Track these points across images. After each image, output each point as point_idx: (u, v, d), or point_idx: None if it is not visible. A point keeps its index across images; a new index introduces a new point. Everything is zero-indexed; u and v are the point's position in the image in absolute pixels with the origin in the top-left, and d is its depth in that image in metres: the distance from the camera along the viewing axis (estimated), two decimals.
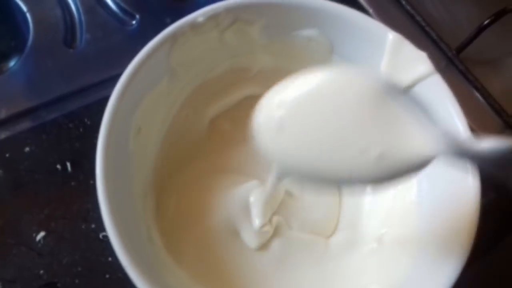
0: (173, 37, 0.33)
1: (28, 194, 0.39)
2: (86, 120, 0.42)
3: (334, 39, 0.37)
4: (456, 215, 0.31)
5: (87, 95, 0.42)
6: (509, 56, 0.52)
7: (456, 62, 0.49)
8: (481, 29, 0.47)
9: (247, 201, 0.38)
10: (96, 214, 0.29)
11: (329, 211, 0.40)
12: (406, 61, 0.34)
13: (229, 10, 0.34)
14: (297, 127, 0.25)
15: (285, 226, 0.39)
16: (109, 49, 0.45)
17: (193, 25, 0.33)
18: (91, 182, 0.29)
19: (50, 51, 0.44)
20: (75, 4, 0.46)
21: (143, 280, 0.27)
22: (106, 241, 0.29)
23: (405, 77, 0.34)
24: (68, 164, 0.40)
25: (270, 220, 0.38)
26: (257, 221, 0.37)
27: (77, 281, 0.37)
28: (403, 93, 0.25)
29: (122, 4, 0.47)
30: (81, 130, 0.41)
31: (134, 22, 0.47)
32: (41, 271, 0.37)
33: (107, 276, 0.37)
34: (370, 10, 0.50)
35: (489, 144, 0.22)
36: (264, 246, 0.38)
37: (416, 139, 0.24)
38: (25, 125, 0.41)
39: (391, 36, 0.34)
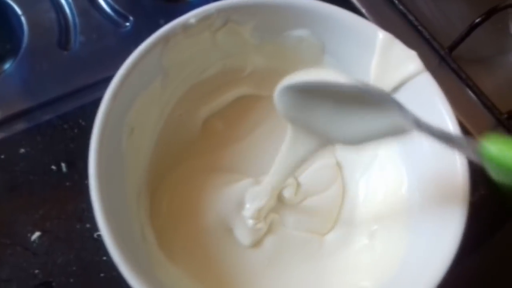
0: (165, 38, 0.33)
1: (23, 195, 0.39)
2: (81, 121, 0.42)
3: (325, 39, 0.37)
4: (445, 210, 0.31)
5: (81, 97, 0.43)
6: (501, 54, 0.52)
7: (448, 60, 0.49)
8: (472, 28, 0.47)
9: (241, 199, 0.38)
10: (91, 214, 0.29)
11: (328, 211, 0.41)
12: (396, 59, 0.35)
13: (221, 11, 0.34)
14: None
15: (280, 223, 0.40)
16: (103, 50, 0.45)
17: (185, 27, 0.34)
18: (86, 182, 0.30)
19: (45, 53, 0.44)
20: (69, 7, 0.46)
21: (136, 278, 0.28)
22: (100, 240, 0.29)
23: (395, 75, 0.35)
24: (63, 165, 0.41)
25: (264, 218, 0.39)
26: (250, 221, 0.38)
27: (72, 280, 0.37)
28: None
29: (116, 6, 0.47)
30: (76, 131, 0.42)
31: (127, 24, 0.47)
32: (36, 271, 0.37)
33: (102, 275, 0.37)
34: (363, 10, 0.50)
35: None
36: (257, 243, 0.38)
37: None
38: (20, 126, 0.41)
39: (381, 35, 0.35)
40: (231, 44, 0.37)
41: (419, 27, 0.50)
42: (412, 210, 0.35)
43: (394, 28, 0.49)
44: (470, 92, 0.48)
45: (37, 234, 0.38)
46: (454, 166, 0.32)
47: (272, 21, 0.36)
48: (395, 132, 0.28)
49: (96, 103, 0.31)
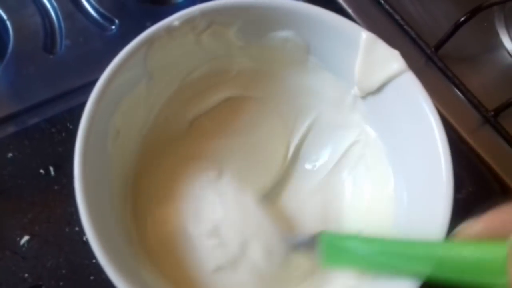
0: (149, 41, 0.33)
1: (11, 199, 0.40)
2: (68, 124, 0.42)
3: (309, 40, 0.37)
4: (431, 208, 0.32)
5: (69, 100, 0.43)
6: (486, 52, 0.52)
7: (435, 59, 0.49)
8: (457, 26, 0.48)
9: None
10: (79, 217, 0.29)
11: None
12: (380, 59, 0.35)
13: (204, 13, 0.34)
14: None
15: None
16: (89, 54, 0.45)
17: (169, 29, 0.34)
18: (74, 186, 0.30)
19: (31, 58, 0.44)
20: (55, 11, 0.47)
21: (122, 280, 0.28)
22: (89, 243, 0.29)
23: (379, 75, 0.35)
24: (51, 169, 0.41)
25: None
26: None
27: (61, 283, 0.37)
28: None
29: (101, 10, 0.47)
30: (63, 134, 0.42)
31: (113, 27, 0.47)
32: (26, 275, 0.37)
33: (92, 278, 0.38)
34: (349, 10, 0.51)
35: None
36: None
37: None
38: (7, 130, 0.42)
39: (365, 36, 0.35)
40: (216, 46, 0.37)
41: (405, 27, 0.50)
42: (398, 209, 0.35)
43: (381, 27, 0.50)
44: (456, 90, 0.48)
45: (26, 238, 0.38)
46: (439, 164, 0.32)
47: (256, 22, 0.36)
48: None
49: (83, 106, 0.31)
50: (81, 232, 0.38)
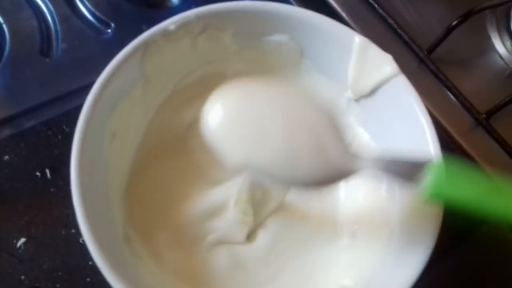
0: (145, 44, 0.34)
1: (8, 202, 0.40)
2: (64, 127, 0.42)
3: (303, 44, 0.38)
4: (422, 209, 0.32)
5: (65, 103, 0.43)
6: (478, 55, 0.53)
7: (427, 62, 0.50)
8: (449, 30, 0.48)
9: (225, 198, 0.39)
10: (76, 219, 0.30)
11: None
12: (373, 62, 0.35)
13: (200, 17, 0.35)
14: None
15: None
16: (85, 57, 0.45)
17: (165, 33, 0.34)
18: (70, 188, 0.30)
19: (27, 61, 0.44)
20: (51, 15, 0.47)
21: (119, 281, 0.28)
22: (86, 245, 0.29)
23: (372, 78, 0.36)
24: (48, 171, 0.41)
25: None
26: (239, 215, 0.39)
27: (58, 285, 0.37)
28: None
29: (97, 13, 0.48)
30: (59, 137, 0.42)
31: (109, 30, 0.47)
32: (23, 277, 0.37)
33: (88, 279, 0.38)
34: (343, 14, 0.51)
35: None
36: (249, 239, 0.39)
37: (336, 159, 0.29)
38: (3, 133, 0.42)
39: (358, 40, 0.36)
40: (211, 49, 0.38)
41: (399, 30, 0.51)
42: (390, 210, 0.36)
43: (374, 31, 0.50)
44: (449, 93, 0.49)
45: (22, 240, 0.39)
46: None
47: (251, 27, 0.37)
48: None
49: (79, 109, 0.32)
50: (77, 234, 0.39)
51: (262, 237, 0.39)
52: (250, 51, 0.39)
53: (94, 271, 0.37)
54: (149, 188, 0.38)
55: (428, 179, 0.27)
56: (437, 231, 0.31)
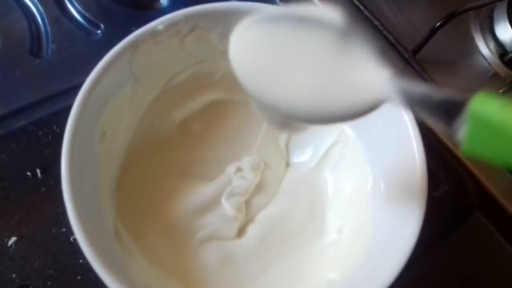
0: (134, 45, 0.34)
1: None
2: (55, 127, 0.42)
3: None
4: (406, 204, 0.33)
5: (55, 103, 0.43)
6: (462, 56, 0.54)
7: (412, 63, 0.51)
8: (433, 31, 0.49)
9: (216, 195, 0.40)
10: (67, 218, 0.30)
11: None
12: None
13: (188, 17, 0.35)
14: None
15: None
16: (75, 58, 0.46)
17: (153, 33, 0.35)
18: (61, 187, 0.30)
19: (18, 62, 0.45)
20: (41, 16, 0.47)
21: (111, 277, 0.28)
22: (77, 243, 0.29)
23: None
24: (38, 171, 0.41)
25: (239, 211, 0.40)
26: (232, 211, 0.40)
27: (49, 283, 0.38)
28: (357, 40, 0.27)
29: (87, 15, 0.48)
30: (50, 137, 0.42)
31: (99, 31, 0.48)
32: (14, 275, 0.38)
33: (79, 277, 0.38)
34: None
35: (425, 89, 0.23)
36: (239, 234, 0.40)
37: (369, 82, 0.26)
38: None
39: None
40: (200, 50, 0.38)
41: (384, 32, 0.52)
42: (376, 206, 0.37)
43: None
44: None
45: (13, 239, 0.39)
46: (414, 162, 0.34)
47: None
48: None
49: (69, 109, 0.32)
50: (68, 232, 0.39)
51: (252, 232, 0.40)
52: None
53: (85, 268, 0.37)
54: (139, 185, 0.39)
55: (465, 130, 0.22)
56: (419, 225, 0.32)
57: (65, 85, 0.43)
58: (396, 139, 0.35)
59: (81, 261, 0.38)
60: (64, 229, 0.39)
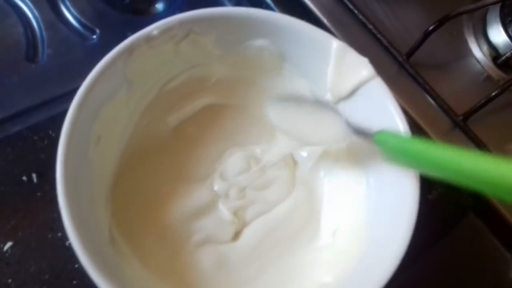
0: (129, 50, 0.34)
1: None
2: (50, 132, 0.42)
3: (284, 48, 0.39)
4: (399, 207, 0.33)
5: (50, 108, 0.43)
6: (456, 59, 0.54)
7: (406, 66, 0.51)
8: (426, 35, 0.49)
9: (210, 199, 0.40)
10: (62, 223, 0.30)
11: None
12: (350, 66, 0.36)
13: (183, 23, 0.35)
14: None
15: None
16: (70, 63, 0.46)
17: (148, 38, 0.35)
18: (56, 192, 0.31)
19: (13, 67, 0.45)
20: (36, 21, 0.47)
21: (106, 282, 0.29)
22: (72, 248, 0.30)
23: (349, 81, 0.37)
24: (34, 176, 0.41)
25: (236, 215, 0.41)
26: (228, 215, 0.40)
27: None
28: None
29: (82, 20, 0.48)
30: (46, 142, 0.42)
31: (94, 36, 0.48)
32: (9, 280, 0.38)
33: (74, 282, 0.38)
34: (325, 20, 0.52)
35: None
36: (234, 238, 0.40)
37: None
38: None
39: (335, 44, 0.36)
40: (194, 54, 0.38)
41: (378, 35, 0.52)
42: (369, 209, 0.37)
43: (355, 36, 0.51)
44: (427, 96, 0.50)
45: (9, 244, 0.39)
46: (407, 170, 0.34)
47: (233, 32, 0.37)
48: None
49: (65, 114, 0.32)
50: (64, 237, 0.39)
51: (247, 236, 0.40)
52: (232, 56, 0.40)
53: (80, 273, 0.38)
54: (134, 190, 0.39)
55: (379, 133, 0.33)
56: (412, 228, 0.32)
57: (60, 90, 0.44)
58: None
59: (76, 266, 0.38)
60: (59, 234, 0.39)
